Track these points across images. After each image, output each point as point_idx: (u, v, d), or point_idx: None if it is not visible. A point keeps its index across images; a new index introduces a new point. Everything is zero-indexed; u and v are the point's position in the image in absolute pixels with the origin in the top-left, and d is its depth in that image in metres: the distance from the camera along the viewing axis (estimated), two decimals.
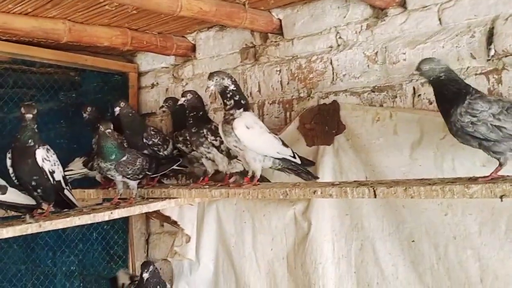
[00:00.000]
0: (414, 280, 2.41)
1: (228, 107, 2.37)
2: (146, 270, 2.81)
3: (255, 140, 2.38)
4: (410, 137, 2.42)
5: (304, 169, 2.51)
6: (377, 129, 2.54)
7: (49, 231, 3.65)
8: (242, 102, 2.39)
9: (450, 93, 1.88)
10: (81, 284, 3.74)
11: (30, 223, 2.08)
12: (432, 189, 1.78)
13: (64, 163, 3.01)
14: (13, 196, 2.17)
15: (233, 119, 2.34)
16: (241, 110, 2.37)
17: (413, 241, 2.42)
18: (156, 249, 3.60)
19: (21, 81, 3.38)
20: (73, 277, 3.72)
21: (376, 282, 2.51)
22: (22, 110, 2.30)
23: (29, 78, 3.44)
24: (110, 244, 3.64)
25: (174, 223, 3.20)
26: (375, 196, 1.90)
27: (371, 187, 1.92)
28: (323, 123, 2.71)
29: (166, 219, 3.26)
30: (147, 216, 3.62)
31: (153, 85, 3.71)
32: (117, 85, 3.75)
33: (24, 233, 2.05)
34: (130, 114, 2.93)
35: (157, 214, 3.33)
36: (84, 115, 3.21)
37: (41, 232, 3.61)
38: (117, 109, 2.85)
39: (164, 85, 3.64)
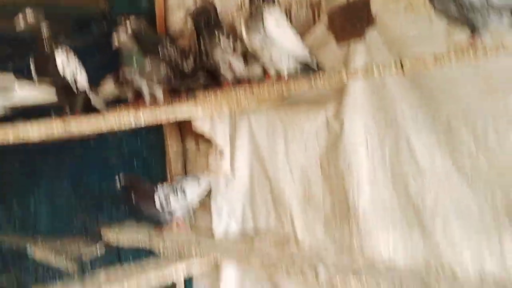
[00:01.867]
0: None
1: (257, 2, 2.27)
2: None
3: (285, 36, 2.31)
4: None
5: None
6: (411, 20, 2.35)
7: (94, 160, 3.85)
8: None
9: None
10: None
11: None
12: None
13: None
14: (23, 94, 1.91)
15: (262, 13, 2.25)
16: (271, 6, 2.29)
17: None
18: (192, 168, 3.60)
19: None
20: None
21: (411, 176, 2.40)
22: None
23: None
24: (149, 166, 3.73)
25: (208, 138, 3.19)
26: (402, 69, 1.77)
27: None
28: (353, 18, 2.56)
29: (201, 136, 3.26)
30: (183, 136, 3.63)
31: (179, 5, 3.62)
32: (145, 10, 3.69)
33: (50, 132, 2.04)
34: (143, 32, 2.78)
35: (192, 132, 3.33)
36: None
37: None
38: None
39: (191, 3, 3.53)
